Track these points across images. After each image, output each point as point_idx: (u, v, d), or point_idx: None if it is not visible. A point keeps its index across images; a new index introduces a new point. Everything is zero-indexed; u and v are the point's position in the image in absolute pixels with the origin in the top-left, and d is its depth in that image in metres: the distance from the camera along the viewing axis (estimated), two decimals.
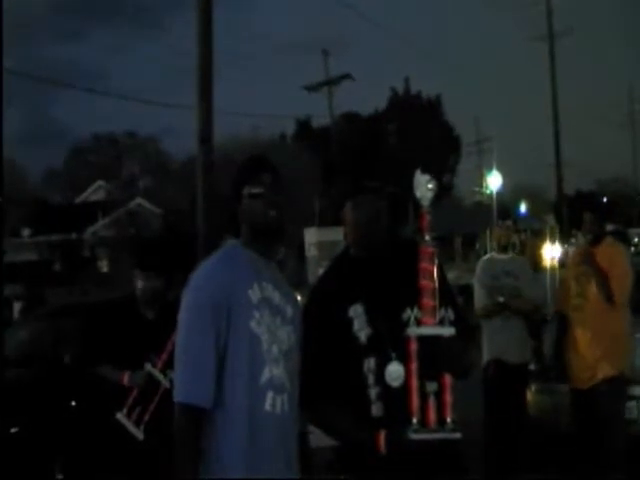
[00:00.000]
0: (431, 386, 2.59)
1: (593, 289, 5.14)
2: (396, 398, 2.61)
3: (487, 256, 6.64)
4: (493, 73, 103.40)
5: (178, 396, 2.49)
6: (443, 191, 38.32)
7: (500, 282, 6.07)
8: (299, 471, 2.70)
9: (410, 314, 2.64)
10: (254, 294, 2.55)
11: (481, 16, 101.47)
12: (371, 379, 2.66)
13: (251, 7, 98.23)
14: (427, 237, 2.68)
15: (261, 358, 2.50)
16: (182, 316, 2.55)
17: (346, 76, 35.00)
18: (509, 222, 6.50)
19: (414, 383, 2.56)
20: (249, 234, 2.66)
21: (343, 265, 2.88)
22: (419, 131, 38.11)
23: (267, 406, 2.51)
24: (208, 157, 12.36)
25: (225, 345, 2.48)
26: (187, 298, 2.57)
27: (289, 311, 2.66)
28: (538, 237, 9.58)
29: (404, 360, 2.60)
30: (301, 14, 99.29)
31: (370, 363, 2.68)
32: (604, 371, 5.07)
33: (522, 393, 6.10)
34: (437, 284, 2.65)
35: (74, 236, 31.21)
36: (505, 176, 39.97)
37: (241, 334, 2.49)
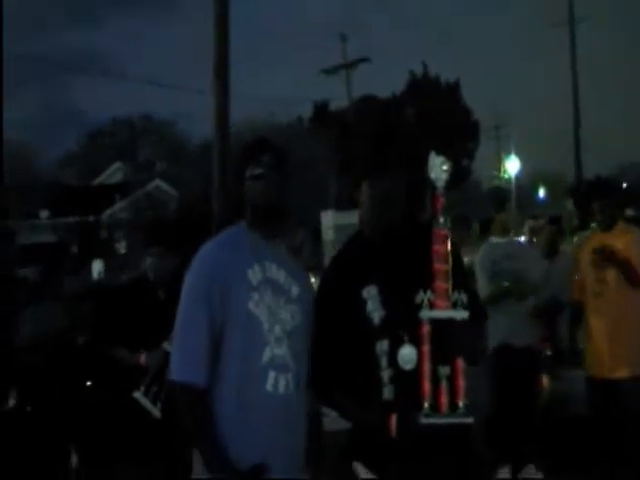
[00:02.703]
0: (443, 370, 2.57)
1: (613, 274, 5.09)
2: (408, 381, 2.59)
3: (486, 241, 6.58)
4: (512, 57, 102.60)
5: (173, 375, 2.52)
6: (461, 175, 38.14)
7: (500, 266, 6.02)
8: (309, 457, 2.69)
9: (423, 297, 2.62)
10: (254, 275, 2.56)
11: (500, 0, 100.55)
12: (384, 361, 2.66)
13: None
14: (441, 220, 2.65)
15: (261, 338, 2.51)
16: (181, 296, 2.57)
17: (364, 59, 34.82)
18: (510, 206, 6.47)
19: (426, 367, 2.55)
20: (252, 216, 2.66)
21: (357, 246, 2.86)
22: (437, 115, 37.90)
23: (268, 386, 2.51)
24: (224, 141, 12.39)
25: (222, 326, 2.49)
26: (186, 279, 2.59)
27: (295, 291, 2.66)
28: (555, 223, 9.47)
29: (417, 343, 2.58)
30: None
31: (383, 345, 2.67)
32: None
33: (530, 376, 6.05)
34: (451, 267, 2.63)
35: (92, 218, 31.33)
36: (524, 161, 39.84)
37: (238, 315, 2.49)
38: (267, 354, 2.53)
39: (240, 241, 2.63)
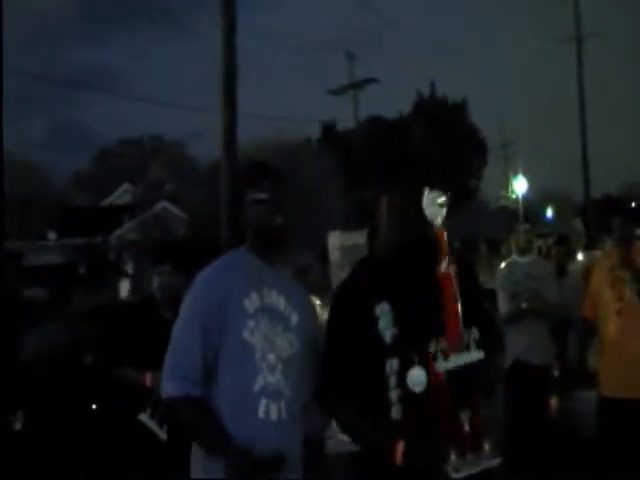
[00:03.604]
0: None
1: (630, 293, 5.03)
2: (417, 404, 2.56)
3: (507, 260, 6.59)
4: (520, 76, 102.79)
5: (167, 392, 2.51)
6: (468, 195, 38.05)
7: (522, 286, 6.03)
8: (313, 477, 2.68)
9: (437, 347, 2.56)
10: (251, 303, 2.54)
11: (507, 18, 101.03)
12: (393, 381, 2.60)
13: (275, 9, 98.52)
14: (443, 264, 2.62)
15: (254, 366, 2.50)
16: (178, 318, 2.57)
17: (371, 80, 34.96)
18: (526, 225, 6.47)
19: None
20: (254, 240, 2.65)
21: (370, 264, 2.82)
22: (445, 135, 37.83)
23: (260, 413, 2.50)
24: (232, 161, 12.41)
25: (216, 351, 2.49)
26: (184, 301, 2.59)
27: (295, 318, 2.64)
28: (564, 243, 9.47)
29: (427, 365, 2.55)
30: (326, 16, 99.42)
31: (393, 364, 2.62)
32: None
33: (544, 395, 6.04)
34: (461, 302, 2.60)
35: (99, 239, 31.42)
36: (531, 180, 39.81)
37: (232, 342, 2.48)
38: (259, 382, 2.52)
39: (239, 266, 2.62)
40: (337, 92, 34.71)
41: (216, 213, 12.61)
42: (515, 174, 42.63)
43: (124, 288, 17.99)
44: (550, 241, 9.52)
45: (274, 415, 2.53)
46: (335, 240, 17.93)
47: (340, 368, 2.66)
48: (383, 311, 2.63)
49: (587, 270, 6.05)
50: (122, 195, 41.07)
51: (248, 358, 2.50)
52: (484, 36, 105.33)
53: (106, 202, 41.49)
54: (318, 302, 5.55)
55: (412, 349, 2.59)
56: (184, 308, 2.57)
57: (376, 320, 2.63)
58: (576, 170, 35.68)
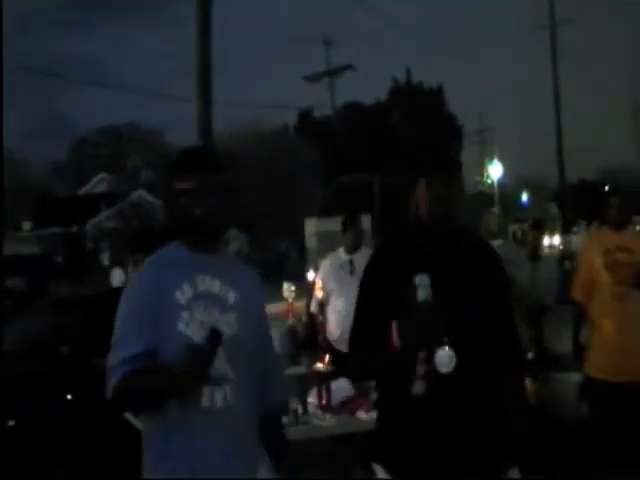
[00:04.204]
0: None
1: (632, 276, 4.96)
2: (442, 383, 2.58)
3: None
4: (495, 63, 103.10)
5: (108, 392, 2.49)
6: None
7: None
8: (274, 454, 2.67)
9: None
10: (183, 295, 2.49)
11: (485, 6, 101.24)
12: (421, 355, 2.60)
13: (255, 1, 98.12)
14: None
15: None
16: (116, 315, 2.54)
17: (347, 67, 34.97)
18: (495, 209, 6.52)
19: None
20: (181, 232, 2.59)
21: (413, 231, 2.86)
22: (421, 121, 38.03)
23: (205, 401, 2.46)
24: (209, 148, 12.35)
25: (156, 350, 2.45)
26: (122, 300, 2.55)
27: (232, 298, 2.57)
28: (539, 227, 9.53)
29: (458, 348, 2.58)
30: (303, 4, 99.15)
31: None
32: None
33: (520, 379, 6.07)
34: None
35: (75, 229, 31.21)
36: (507, 166, 39.99)
37: (169, 337, 2.44)
38: None
39: (170, 260, 2.55)
40: (313, 79, 34.68)
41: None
42: (491, 160, 42.84)
43: (117, 277, 17.83)
44: (526, 226, 9.56)
45: (219, 401, 2.48)
46: (312, 227, 17.97)
47: (370, 327, 2.76)
48: (422, 282, 2.62)
49: (563, 254, 6.08)
50: (98, 184, 40.82)
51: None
52: (461, 24, 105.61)
53: (82, 191, 41.22)
54: (293, 288, 5.55)
55: (445, 328, 2.59)
56: (120, 309, 2.52)
57: (414, 290, 2.61)
58: (551, 155, 35.93)
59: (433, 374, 2.58)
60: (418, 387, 2.60)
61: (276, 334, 6.38)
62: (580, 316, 5.23)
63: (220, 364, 2.47)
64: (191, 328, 2.45)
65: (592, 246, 5.38)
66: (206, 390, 2.46)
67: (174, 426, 2.46)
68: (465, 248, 2.81)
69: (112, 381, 2.47)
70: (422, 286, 2.59)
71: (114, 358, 2.49)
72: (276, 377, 2.78)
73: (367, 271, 2.89)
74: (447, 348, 2.57)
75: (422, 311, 2.57)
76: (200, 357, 2.35)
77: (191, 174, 2.53)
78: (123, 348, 2.47)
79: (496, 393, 2.77)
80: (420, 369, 2.59)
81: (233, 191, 2.68)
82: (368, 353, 2.79)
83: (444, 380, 2.57)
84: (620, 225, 5.12)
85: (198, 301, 2.50)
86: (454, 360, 2.56)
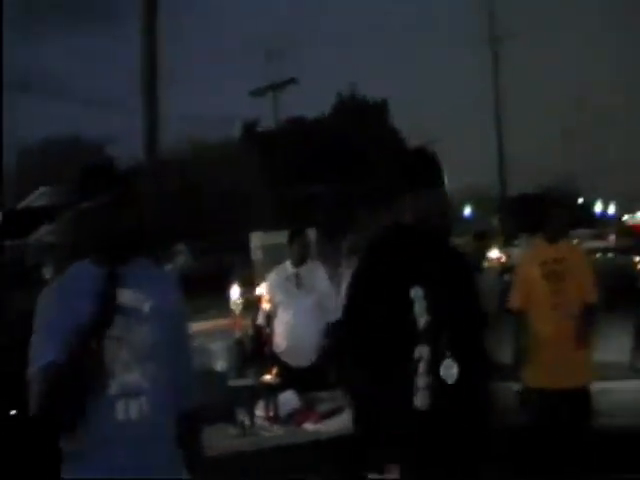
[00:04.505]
0: None
1: (570, 287, 5.15)
2: (448, 393, 2.60)
3: None
4: (440, 76, 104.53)
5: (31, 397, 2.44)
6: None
7: None
8: (189, 464, 2.65)
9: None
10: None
11: (428, 21, 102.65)
12: (422, 367, 2.61)
13: (199, 10, 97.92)
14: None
15: (106, 370, 2.44)
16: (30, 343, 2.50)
17: (291, 80, 35.11)
18: None
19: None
20: (88, 250, 2.58)
21: (403, 240, 2.80)
22: (365, 134, 38.36)
23: (119, 414, 2.45)
24: (154, 161, 12.34)
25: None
26: (34, 317, 2.52)
27: (147, 306, 2.55)
28: (482, 239, 9.68)
29: (459, 360, 2.62)
30: (250, 18, 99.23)
31: (423, 351, 2.62)
32: (588, 375, 5.14)
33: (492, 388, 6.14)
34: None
35: (16, 243, 30.65)
36: (451, 178, 40.46)
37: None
38: (115, 385, 2.46)
39: (81, 278, 2.54)
40: (257, 93, 34.76)
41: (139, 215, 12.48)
42: None
43: None
44: (468, 238, 9.70)
45: (134, 413, 2.47)
46: (258, 240, 17.98)
47: (363, 340, 2.66)
48: (417, 295, 2.62)
49: (504, 266, 6.20)
50: (39, 198, 40.21)
51: (100, 366, 2.42)
52: (404, 38, 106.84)
53: (23, 205, 40.54)
54: (240, 301, 5.57)
55: (445, 339, 2.62)
56: (34, 325, 2.49)
57: (411, 303, 2.62)
58: (494, 169, 36.54)
59: (436, 386, 2.59)
60: (422, 400, 2.61)
61: (223, 347, 6.39)
62: (519, 326, 5.36)
63: (135, 377, 2.48)
64: (103, 342, 2.41)
65: (530, 258, 5.56)
66: (120, 403, 2.45)
67: (92, 440, 2.44)
68: (448, 259, 2.83)
69: (32, 393, 2.43)
70: (418, 299, 2.61)
71: (30, 372, 2.45)
72: (189, 382, 2.74)
73: (357, 279, 2.81)
74: (450, 360, 2.61)
75: (418, 323, 2.60)
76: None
77: (92, 191, 2.54)
78: (37, 360, 2.43)
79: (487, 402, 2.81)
80: (421, 381, 2.60)
81: (135, 206, 2.63)
82: (363, 370, 2.71)
83: (447, 392, 2.60)
84: (557, 237, 5.27)
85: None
86: (457, 371, 2.60)
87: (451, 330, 2.63)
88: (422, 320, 2.63)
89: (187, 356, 2.77)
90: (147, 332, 2.53)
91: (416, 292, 2.61)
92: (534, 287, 5.24)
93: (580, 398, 5.11)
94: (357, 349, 2.70)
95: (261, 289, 7.27)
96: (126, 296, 2.51)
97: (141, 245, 2.65)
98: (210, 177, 29.61)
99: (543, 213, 5.37)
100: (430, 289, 2.63)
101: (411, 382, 2.60)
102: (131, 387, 2.47)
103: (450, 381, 2.60)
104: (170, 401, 2.60)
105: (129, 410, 2.47)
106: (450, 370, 2.60)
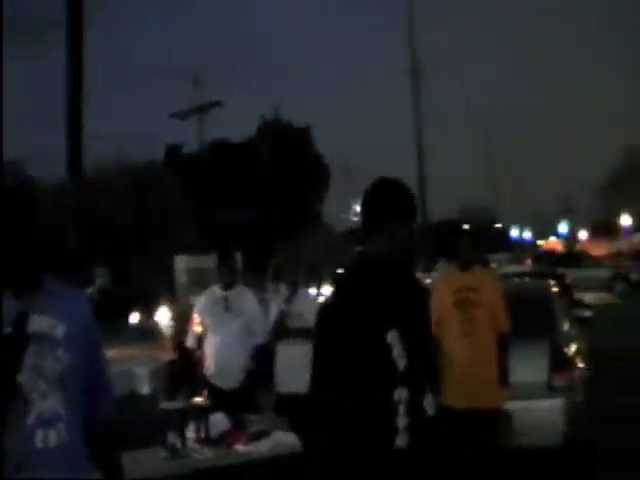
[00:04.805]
0: None
1: (480, 314, 5.30)
2: (425, 430, 2.64)
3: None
4: (364, 105, 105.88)
5: None
6: (313, 219, 38.85)
7: None
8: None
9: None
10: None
11: (352, 48, 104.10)
12: (402, 409, 2.61)
13: (126, 34, 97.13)
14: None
15: (25, 401, 2.44)
16: None
17: (216, 103, 35.11)
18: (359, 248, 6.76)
19: None
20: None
21: (376, 275, 2.72)
22: (289, 159, 38.51)
23: (38, 443, 2.46)
24: (77, 182, 12.23)
25: None
26: None
27: (60, 330, 2.55)
28: None
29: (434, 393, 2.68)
30: (175, 43, 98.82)
31: (402, 393, 2.62)
32: (499, 398, 5.34)
33: None
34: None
35: None
36: None
37: (2, 389, 2.41)
38: (32, 415, 2.44)
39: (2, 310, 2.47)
40: (181, 115, 34.60)
41: (60, 238, 12.34)
42: (358, 197, 43.82)
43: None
44: None
45: (53, 441, 2.46)
46: (182, 263, 17.90)
47: (336, 389, 2.59)
48: (394, 339, 2.62)
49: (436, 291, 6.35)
50: None
51: (18, 396, 2.43)
52: (331, 65, 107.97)
53: None
54: (171, 323, 5.62)
55: (422, 378, 2.65)
56: None
57: (390, 348, 2.60)
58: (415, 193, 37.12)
59: (415, 425, 2.61)
60: (402, 440, 2.61)
61: (149, 370, 6.39)
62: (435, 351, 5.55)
63: (52, 403, 2.47)
64: (22, 375, 2.41)
65: (444, 285, 5.69)
66: (39, 432, 2.44)
67: (12, 469, 2.43)
68: (416, 295, 2.84)
69: None
70: (394, 343, 2.61)
71: None
72: (102, 396, 2.71)
73: (326, 326, 2.67)
74: (429, 394, 2.66)
75: (398, 366, 2.61)
76: None
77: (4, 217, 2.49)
78: None
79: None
80: (401, 422, 2.61)
81: (33, 232, 2.59)
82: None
83: (424, 429, 2.64)
84: (468, 265, 5.43)
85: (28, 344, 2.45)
86: (435, 405, 2.66)
87: (425, 367, 2.68)
88: (401, 363, 2.63)
89: (104, 380, 2.75)
90: (61, 355, 2.50)
91: (393, 336, 2.62)
92: (446, 315, 5.36)
93: (489, 418, 5.31)
94: (332, 397, 2.61)
95: (163, 314, 7.24)
96: (38, 322, 2.48)
97: (59, 268, 2.62)
98: (134, 199, 29.30)
99: (450, 241, 5.52)
100: (404, 331, 2.65)
101: (393, 424, 2.60)
102: (49, 415, 2.45)
103: (430, 412, 2.65)
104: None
105: (47, 438, 2.45)
106: (431, 405, 2.66)
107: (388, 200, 2.69)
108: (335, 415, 2.59)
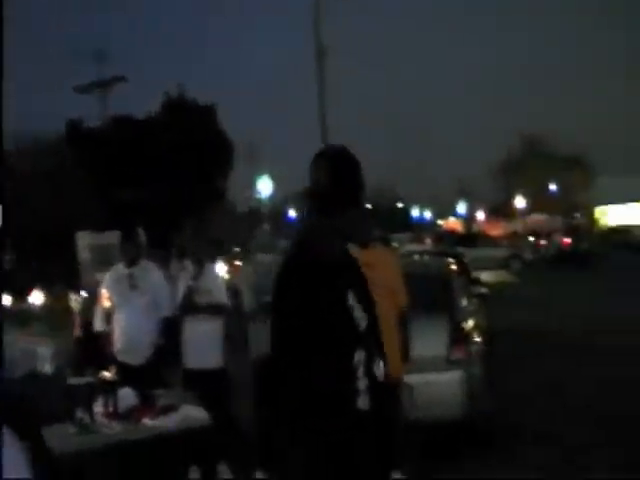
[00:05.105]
0: None
1: (381, 292, 5.45)
2: (382, 391, 2.71)
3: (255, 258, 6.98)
4: (270, 82, 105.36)
5: None
6: (217, 197, 38.62)
7: (265, 282, 6.40)
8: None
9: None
10: None
11: (259, 30, 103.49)
12: (361, 371, 2.65)
13: (28, 9, 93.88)
14: None
15: None
16: None
17: (120, 78, 34.44)
18: (266, 225, 6.87)
19: None
20: None
21: (334, 250, 2.75)
22: (194, 136, 38.10)
23: None
24: None
25: None
26: None
27: None
28: None
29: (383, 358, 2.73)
30: (79, 20, 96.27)
31: (361, 355, 2.66)
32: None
33: None
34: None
35: None
36: (277, 182, 40.93)
37: None
38: None
39: None
40: (84, 89, 33.81)
41: None
42: (260, 176, 43.75)
43: None
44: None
45: None
46: (85, 240, 17.59)
47: (298, 352, 2.61)
48: (354, 300, 2.66)
49: None
50: None
51: None
52: (238, 43, 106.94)
53: None
54: (80, 299, 5.60)
55: (376, 340, 2.72)
56: None
57: (352, 309, 2.64)
58: None
59: (373, 387, 2.67)
60: (363, 402, 2.66)
61: (53, 349, 6.32)
62: None
63: None
64: None
65: None
66: None
67: None
68: (356, 264, 2.90)
69: None
70: (355, 305, 2.66)
71: None
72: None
73: (286, 289, 2.67)
74: (379, 359, 2.72)
75: (360, 327, 2.66)
76: None
77: None
78: None
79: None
80: (361, 384, 2.65)
81: None
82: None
83: (382, 388, 2.71)
84: (366, 242, 5.52)
85: None
86: (384, 369, 2.73)
87: (376, 332, 2.77)
88: (363, 324, 2.69)
89: None
90: None
91: (352, 298, 2.64)
92: None
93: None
94: (297, 358, 2.63)
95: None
96: None
97: None
98: (36, 174, 28.52)
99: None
100: (360, 296, 2.71)
101: (354, 385, 2.64)
102: None
103: (380, 379, 2.71)
104: None
105: None
106: (380, 370, 2.72)
107: (362, 185, 2.77)
108: (302, 374, 2.60)
